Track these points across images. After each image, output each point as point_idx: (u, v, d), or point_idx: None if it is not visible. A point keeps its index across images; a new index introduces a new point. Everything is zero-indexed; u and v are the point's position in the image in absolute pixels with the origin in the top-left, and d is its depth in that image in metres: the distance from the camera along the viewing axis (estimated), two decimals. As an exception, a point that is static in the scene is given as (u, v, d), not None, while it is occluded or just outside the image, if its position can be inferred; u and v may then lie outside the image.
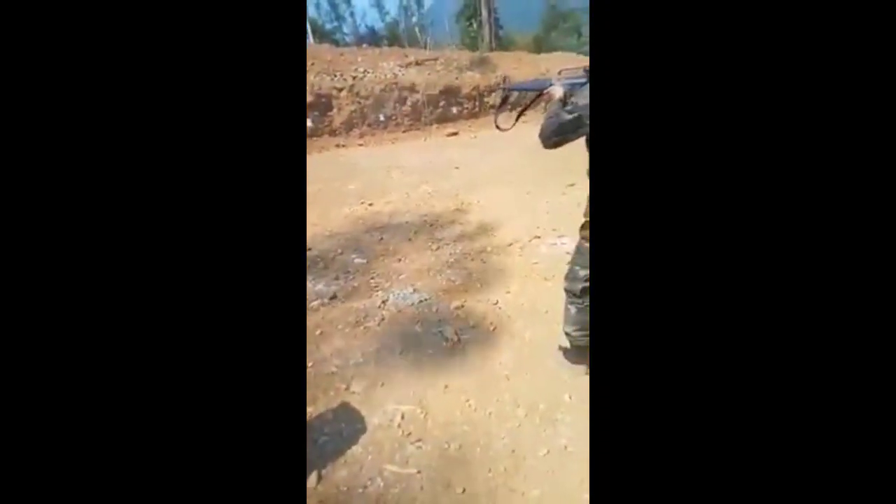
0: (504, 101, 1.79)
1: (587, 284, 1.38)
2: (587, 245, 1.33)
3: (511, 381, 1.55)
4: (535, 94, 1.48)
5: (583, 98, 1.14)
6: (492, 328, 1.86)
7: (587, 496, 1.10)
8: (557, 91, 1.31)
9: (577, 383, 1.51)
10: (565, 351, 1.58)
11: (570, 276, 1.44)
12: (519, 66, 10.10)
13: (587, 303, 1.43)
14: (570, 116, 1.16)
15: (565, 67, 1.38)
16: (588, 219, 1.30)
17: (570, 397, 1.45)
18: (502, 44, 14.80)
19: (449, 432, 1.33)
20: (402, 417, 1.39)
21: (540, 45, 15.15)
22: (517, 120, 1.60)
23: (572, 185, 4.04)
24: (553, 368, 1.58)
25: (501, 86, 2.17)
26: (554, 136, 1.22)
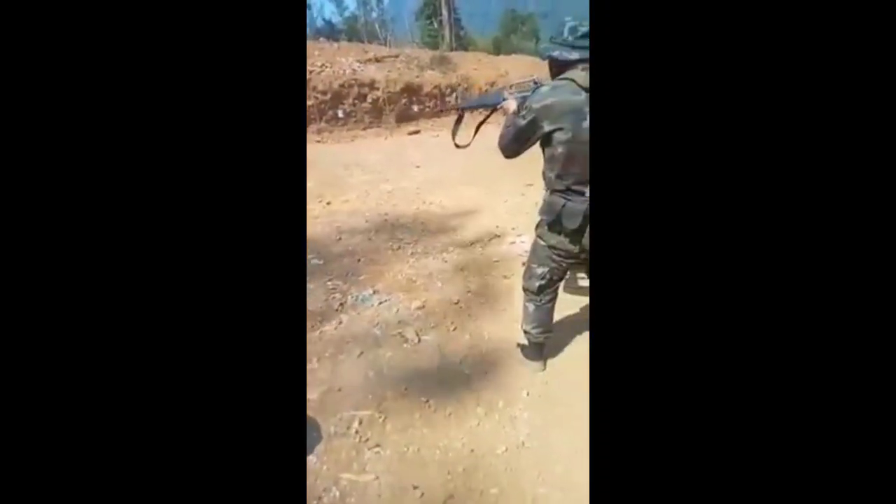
0: (459, 119, 1.73)
1: (544, 282, 1.41)
2: (543, 244, 1.36)
3: (471, 379, 1.55)
4: (489, 109, 1.51)
5: (535, 101, 1.17)
6: (453, 328, 1.85)
7: (543, 490, 1.13)
8: (511, 104, 1.35)
9: (534, 380, 1.53)
10: (523, 348, 1.61)
11: (528, 275, 1.46)
12: (479, 67, 10.21)
13: (545, 301, 1.46)
14: (525, 121, 1.20)
15: (515, 82, 1.41)
16: (542, 217, 1.32)
17: (528, 393, 1.47)
18: (462, 44, 14.90)
19: (408, 436, 1.31)
20: (360, 423, 1.35)
21: (499, 47, 15.38)
22: (474, 136, 1.64)
23: (530, 185, 4.13)
24: (511, 366, 1.60)
25: (455, 105, 2.10)
26: (513, 144, 1.26)
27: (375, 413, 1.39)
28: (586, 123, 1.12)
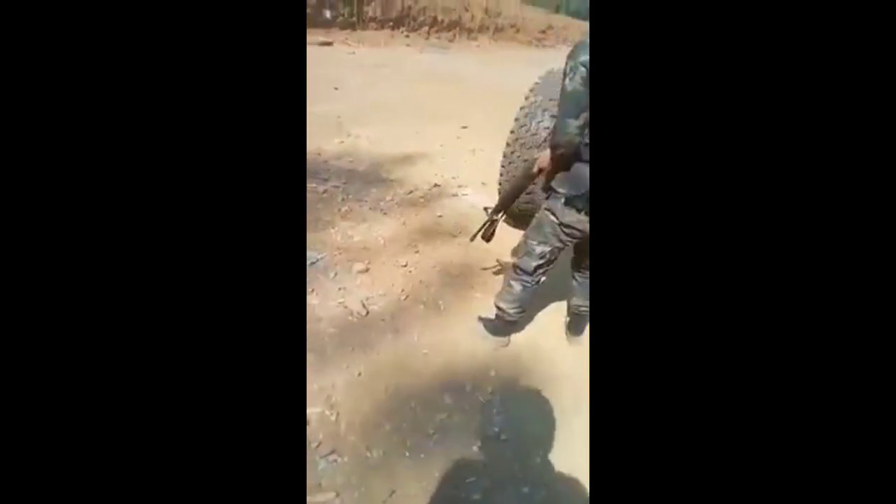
0: (491, 224, 1.44)
1: (542, 262, 1.24)
2: (553, 220, 1.16)
3: (430, 358, 1.39)
4: (527, 184, 1.33)
5: (582, 54, 0.94)
6: (403, 296, 1.63)
7: (526, 489, 1.06)
8: (546, 156, 1.16)
9: (499, 356, 1.43)
10: (486, 322, 1.48)
11: (523, 252, 1.28)
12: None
13: (535, 282, 1.30)
14: (575, 83, 0.96)
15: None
16: (561, 189, 1.12)
17: (494, 373, 1.37)
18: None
19: (368, 436, 1.11)
20: (308, 423, 1.10)
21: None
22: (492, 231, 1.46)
23: (465, 127, 3.86)
24: (473, 341, 1.47)
25: (491, 217, 1.44)
26: (573, 120, 1.00)
27: (326, 410, 1.15)
28: None
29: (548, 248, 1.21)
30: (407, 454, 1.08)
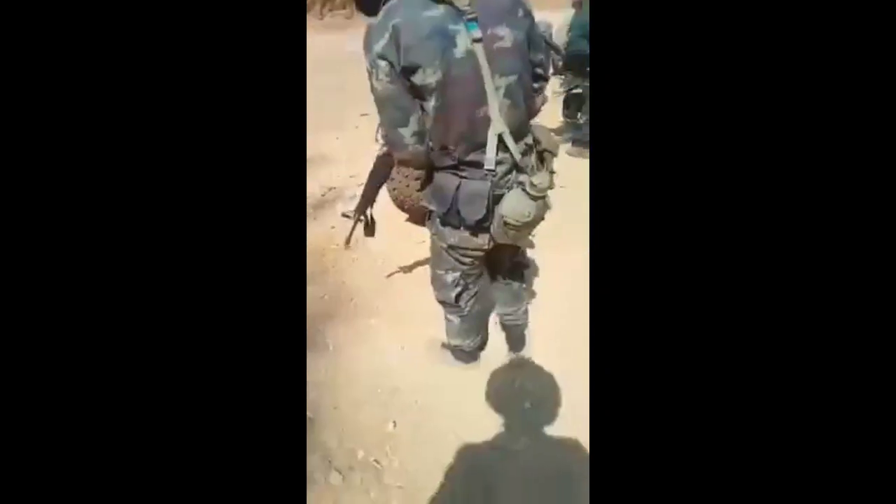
0: (363, 223, 1.28)
1: (460, 289, 1.01)
2: (440, 244, 0.93)
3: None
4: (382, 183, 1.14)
5: (374, 41, 0.70)
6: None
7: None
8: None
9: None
10: (452, 350, 1.23)
11: (437, 284, 1.05)
12: None
13: (469, 307, 1.07)
14: (380, 82, 0.72)
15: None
16: (431, 207, 0.88)
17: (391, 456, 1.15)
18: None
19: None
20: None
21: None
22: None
23: (365, 114, 3.53)
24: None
25: (352, 215, 1.26)
26: (395, 127, 0.76)
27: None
28: (460, 51, 0.68)
29: (458, 274, 0.98)
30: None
